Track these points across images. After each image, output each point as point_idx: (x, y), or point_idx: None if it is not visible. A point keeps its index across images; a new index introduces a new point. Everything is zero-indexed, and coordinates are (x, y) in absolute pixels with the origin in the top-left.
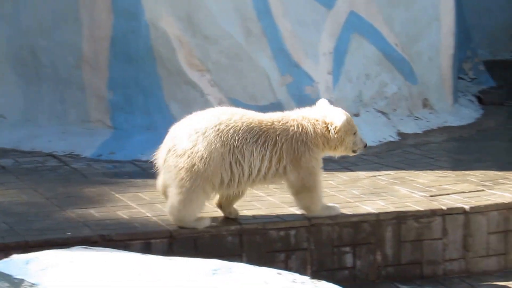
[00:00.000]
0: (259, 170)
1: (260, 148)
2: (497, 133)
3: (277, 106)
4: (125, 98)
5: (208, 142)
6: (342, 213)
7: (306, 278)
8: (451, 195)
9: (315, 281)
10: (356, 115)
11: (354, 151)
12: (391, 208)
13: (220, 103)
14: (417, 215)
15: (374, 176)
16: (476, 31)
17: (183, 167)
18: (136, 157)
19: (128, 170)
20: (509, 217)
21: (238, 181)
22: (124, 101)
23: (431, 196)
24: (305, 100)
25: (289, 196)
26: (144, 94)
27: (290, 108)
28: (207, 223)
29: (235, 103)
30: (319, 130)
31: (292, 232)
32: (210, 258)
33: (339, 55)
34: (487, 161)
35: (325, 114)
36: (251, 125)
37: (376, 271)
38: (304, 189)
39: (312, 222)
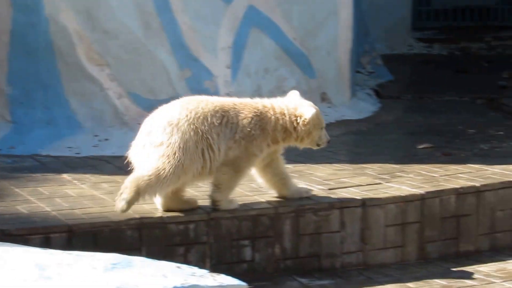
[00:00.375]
0: (224, 153)
1: (224, 128)
2: (394, 126)
3: None
4: (25, 93)
5: (182, 131)
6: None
7: (205, 272)
8: (349, 188)
9: (214, 274)
10: None
11: (318, 145)
12: (289, 201)
13: (120, 98)
14: (315, 209)
15: None
16: (374, 25)
17: (163, 154)
18: (35, 152)
19: (28, 165)
20: (406, 209)
21: (210, 167)
22: (23, 95)
23: (329, 189)
24: (204, 94)
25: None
26: (43, 88)
27: None
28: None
29: (134, 97)
30: (279, 125)
31: (191, 226)
32: (110, 252)
33: (237, 49)
34: (384, 155)
35: (295, 106)
36: (216, 109)
37: (275, 264)
38: (231, 165)
39: (211, 216)
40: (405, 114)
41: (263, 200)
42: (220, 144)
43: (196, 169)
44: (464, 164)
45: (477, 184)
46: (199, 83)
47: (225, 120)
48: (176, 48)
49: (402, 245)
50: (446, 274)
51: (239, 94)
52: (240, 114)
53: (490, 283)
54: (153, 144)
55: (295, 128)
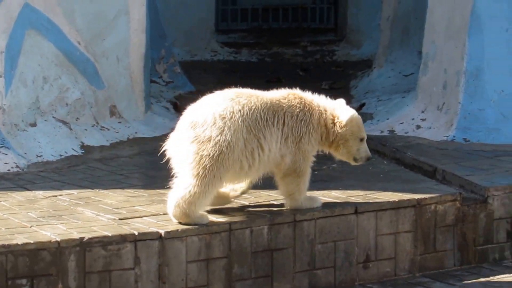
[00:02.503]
0: (274, 152)
1: (275, 128)
2: None
3: None
4: None
5: (235, 128)
6: (322, 208)
7: None
8: (144, 218)
9: None
10: (33, 125)
11: (355, 159)
12: (74, 233)
13: None
14: (104, 242)
15: (55, 196)
16: (171, 26)
17: (208, 154)
18: None
19: None
20: (211, 243)
21: (258, 166)
22: None
23: (121, 219)
24: None
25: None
26: None
27: None
28: (207, 219)
29: None
30: (323, 120)
31: None
32: None
33: (11, 54)
34: None
35: (335, 107)
36: (267, 106)
37: None
38: (293, 173)
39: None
40: None
41: (43, 232)
42: (272, 145)
43: (241, 168)
44: (277, 190)
45: (293, 214)
46: None
47: (276, 120)
48: None
49: (206, 284)
50: None
51: (14, 108)
52: (287, 113)
53: None
54: (200, 139)
55: (330, 129)
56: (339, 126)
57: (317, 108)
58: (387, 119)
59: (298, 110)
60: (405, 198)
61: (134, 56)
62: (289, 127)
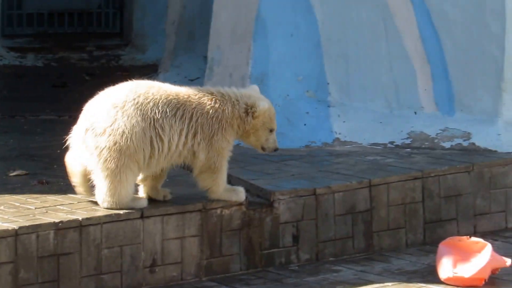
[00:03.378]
0: (177, 146)
1: (178, 122)
2: None
3: None
4: None
5: (128, 116)
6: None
7: None
8: None
9: None
10: None
11: (263, 148)
12: None
13: None
14: None
15: None
16: None
17: (105, 146)
18: None
19: None
20: None
21: (158, 158)
22: None
23: None
24: None
25: None
26: None
27: None
28: (144, 203)
29: None
30: (237, 111)
31: None
32: None
33: None
34: None
35: (250, 95)
36: (169, 98)
37: None
38: (208, 170)
39: None
40: None
41: None
42: (173, 137)
43: (145, 157)
44: (64, 194)
45: (80, 218)
46: None
47: (180, 114)
48: None
49: None
50: None
51: None
52: (196, 109)
53: None
54: (96, 132)
55: (243, 119)
56: (252, 115)
57: (229, 102)
58: None
59: (209, 107)
60: (191, 203)
61: None
62: (198, 123)
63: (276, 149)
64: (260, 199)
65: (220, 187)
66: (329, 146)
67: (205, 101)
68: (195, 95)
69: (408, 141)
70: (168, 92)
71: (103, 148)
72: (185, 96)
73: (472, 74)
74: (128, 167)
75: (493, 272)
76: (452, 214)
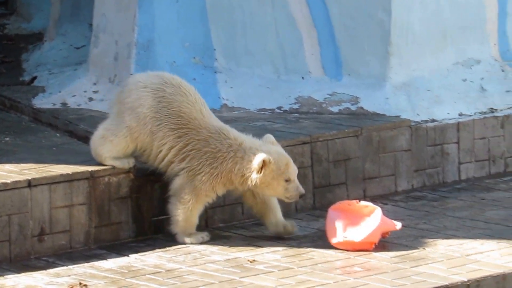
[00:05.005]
0: (162, 159)
1: (173, 139)
2: None
3: None
4: None
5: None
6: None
7: None
8: None
9: None
10: None
11: (287, 197)
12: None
13: None
14: None
15: None
16: None
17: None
18: None
19: None
20: None
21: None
22: None
23: None
24: None
25: None
26: None
27: None
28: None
29: None
30: (237, 168)
31: None
32: None
33: None
34: None
35: (255, 151)
36: (179, 114)
37: None
38: (176, 196)
39: None
40: None
41: None
42: (163, 147)
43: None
44: None
45: None
46: None
47: (178, 134)
48: None
49: None
50: None
51: None
52: (202, 141)
53: None
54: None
55: (245, 175)
56: (256, 172)
57: (231, 155)
58: (59, 92)
59: (211, 148)
60: (79, 171)
61: None
62: (191, 154)
63: (301, 195)
64: (148, 166)
65: (183, 224)
66: (217, 112)
67: (211, 142)
68: (208, 130)
69: (296, 106)
70: (184, 109)
71: None
72: (195, 124)
73: (359, 39)
74: None
75: (383, 236)
76: (341, 178)
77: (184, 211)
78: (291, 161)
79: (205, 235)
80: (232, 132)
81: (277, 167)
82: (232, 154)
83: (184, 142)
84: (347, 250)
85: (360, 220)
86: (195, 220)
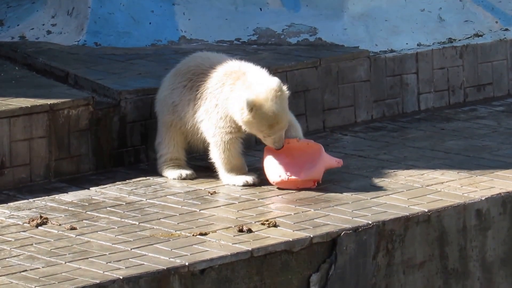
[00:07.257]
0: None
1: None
2: None
3: None
4: None
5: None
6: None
7: None
8: None
9: None
10: None
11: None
12: None
13: None
14: None
15: None
16: None
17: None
18: None
19: None
20: None
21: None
22: None
23: None
24: None
25: None
26: None
27: None
28: None
29: None
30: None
31: None
32: None
33: None
34: None
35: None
36: (189, 69)
37: None
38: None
39: None
40: None
41: None
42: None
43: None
44: None
45: None
46: None
47: (189, 86)
48: None
49: None
50: None
51: None
52: (204, 85)
53: None
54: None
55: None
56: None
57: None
58: (18, 25)
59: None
60: (38, 104)
61: None
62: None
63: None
64: (107, 99)
65: (225, 168)
66: (175, 44)
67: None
68: (212, 69)
69: (254, 38)
70: (191, 64)
71: None
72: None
73: None
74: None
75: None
76: (300, 109)
77: (219, 154)
78: None
79: (250, 178)
80: (242, 65)
81: (260, 107)
82: (230, 84)
83: (195, 90)
84: (289, 188)
85: (302, 158)
86: (234, 161)
